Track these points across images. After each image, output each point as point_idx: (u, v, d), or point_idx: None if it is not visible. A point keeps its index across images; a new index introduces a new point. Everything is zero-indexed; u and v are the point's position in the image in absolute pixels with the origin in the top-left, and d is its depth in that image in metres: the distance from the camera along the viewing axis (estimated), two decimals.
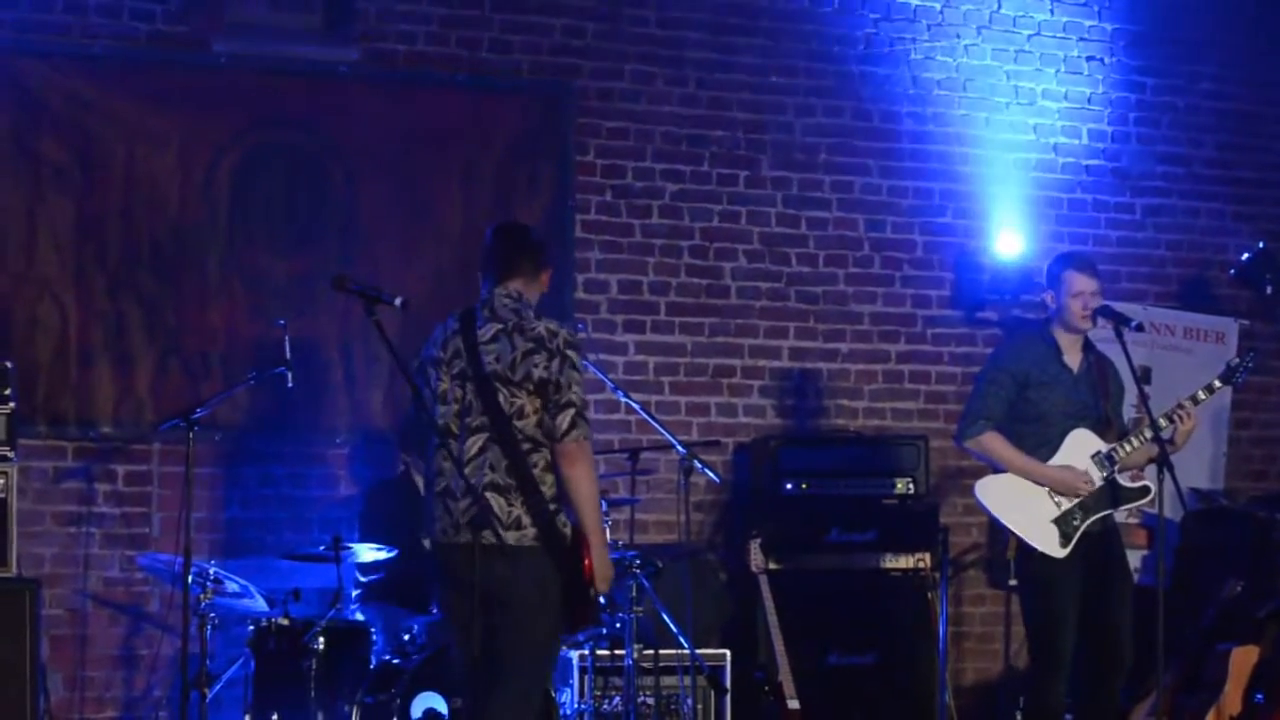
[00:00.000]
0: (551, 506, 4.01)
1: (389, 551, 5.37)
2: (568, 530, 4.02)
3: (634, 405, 5.71)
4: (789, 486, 6.38)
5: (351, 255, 6.33)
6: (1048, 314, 5.24)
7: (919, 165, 7.17)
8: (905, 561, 6.35)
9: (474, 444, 4.02)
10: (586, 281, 6.69)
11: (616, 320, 6.75)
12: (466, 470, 4.00)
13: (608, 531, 5.25)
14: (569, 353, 4.03)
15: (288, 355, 5.55)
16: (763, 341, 6.93)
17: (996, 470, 5.07)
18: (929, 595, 6.28)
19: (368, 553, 5.39)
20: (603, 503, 5.64)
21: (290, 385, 5.59)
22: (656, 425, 5.64)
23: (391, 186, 6.43)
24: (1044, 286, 5.21)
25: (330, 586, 5.36)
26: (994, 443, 5.04)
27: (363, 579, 5.67)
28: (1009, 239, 7.06)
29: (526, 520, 3.98)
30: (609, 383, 5.79)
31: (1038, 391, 5.07)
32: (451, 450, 4.03)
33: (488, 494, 3.97)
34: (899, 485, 6.45)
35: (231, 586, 5.35)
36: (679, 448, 5.52)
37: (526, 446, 4.01)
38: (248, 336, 6.19)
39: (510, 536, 3.95)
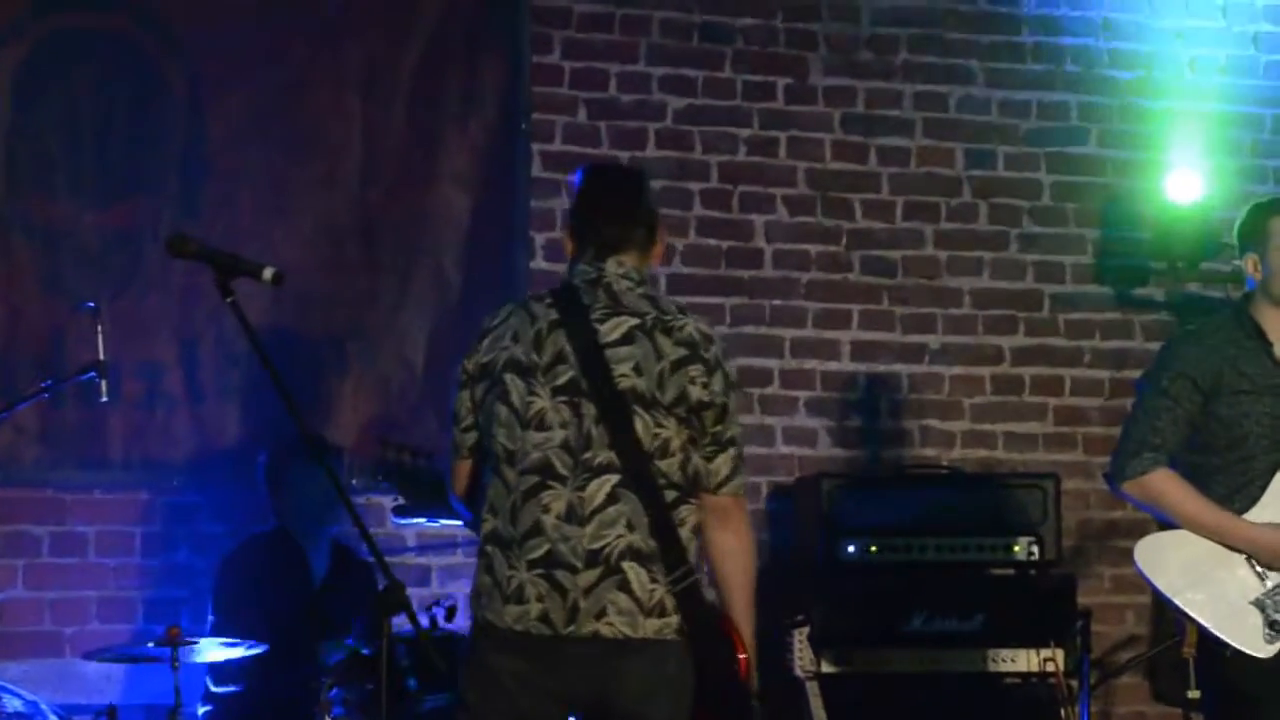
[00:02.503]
0: (700, 581, 4.14)
1: (254, 648, 5.37)
2: (715, 615, 4.18)
3: None
4: (851, 549, 6.34)
5: (197, 203, 6.37)
6: (1246, 288, 5.10)
7: (1046, 68, 7.19)
8: (1026, 661, 6.30)
9: (598, 490, 4.08)
10: (549, 244, 6.68)
11: None
12: (589, 529, 4.05)
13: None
14: (727, 368, 4.20)
15: (101, 355, 5.56)
16: (812, 332, 6.94)
17: (1166, 525, 4.93)
18: (1063, 712, 6.22)
19: (221, 650, 5.38)
20: None
21: (104, 399, 5.60)
22: None
23: (259, 100, 6.45)
24: (1238, 249, 5.08)
25: (164, 703, 5.30)
26: (1167, 484, 4.88)
27: (215, 689, 5.70)
28: (1184, 179, 7.01)
29: (670, 603, 4.07)
30: None
31: (1233, 405, 4.90)
32: (553, 499, 4.08)
33: (624, 564, 4.06)
34: (1017, 548, 6.40)
35: (12, 704, 5.33)
36: None
37: (672, 496, 4.11)
38: (36, 326, 6.19)
39: (650, 626, 4.05)
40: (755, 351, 6.85)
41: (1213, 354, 4.92)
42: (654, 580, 4.03)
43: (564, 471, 4.05)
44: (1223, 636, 4.75)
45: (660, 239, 4.34)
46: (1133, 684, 7.00)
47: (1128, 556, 5.10)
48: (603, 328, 4.11)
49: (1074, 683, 6.20)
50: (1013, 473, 6.81)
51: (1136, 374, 5.49)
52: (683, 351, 4.11)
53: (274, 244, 6.20)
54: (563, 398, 4.08)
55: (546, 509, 4.05)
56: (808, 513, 6.53)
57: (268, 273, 3.87)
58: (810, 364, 6.90)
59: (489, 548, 4.13)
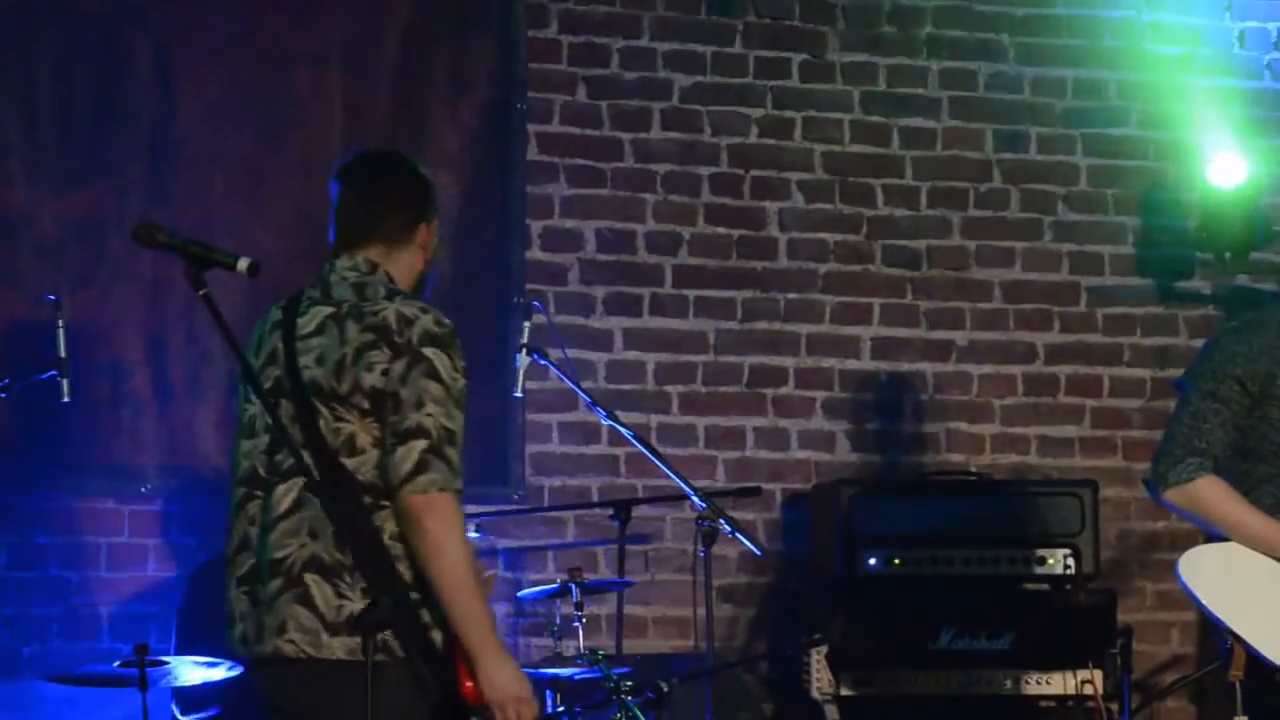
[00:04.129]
0: (413, 595, 4.01)
1: (230, 668, 5.35)
2: (437, 634, 4.03)
3: (623, 431, 5.72)
4: (872, 562, 6.36)
5: (166, 189, 6.37)
6: None
7: (1083, 43, 7.20)
8: (1062, 683, 6.32)
9: (284, 496, 4.04)
10: (546, 233, 6.71)
11: (595, 295, 6.76)
12: (273, 537, 4.01)
13: (561, 635, 5.40)
14: (428, 351, 4.02)
15: (61, 352, 5.59)
16: (830, 329, 6.95)
17: (1213, 537, 4.94)
18: None
19: (194, 670, 5.39)
20: (571, 587, 5.61)
21: (66, 399, 5.63)
22: (659, 463, 5.66)
23: (231, 79, 6.47)
24: None
25: None
26: (1213, 492, 4.87)
27: (182, 718, 5.71)
28: (1228, 162, 6.98)
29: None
30: (583, 395, 5.84)
31: None
32: (258, 510, 4.03)
33: (306, 576, 3.99)
34: (1051, 561, 6.41)
35: None
36: (696, 499, 5.53)
37: (368, 500, 4.01)
38: None
39: (339, 645, 3.97)
40: (769, 349, 6.85)
41: (1262, 354, 4.88)
42: (342, 595, 3.96)
43: (266, 478, 4.04)
44: (1272, 658, 4.72)
45: (418, 229, 4.22)
46: (1178, 708, 6.97)
47: (1171, 570, 5.08)
48: (300, 320, 4.09)
49: (1114, 706, 6.19)
50: (1047, 480, 6.86)
51: (1180, 373, 5.45)
52: (368, 337, 4.00)
53: (249, 232, 6.20)
54: (270, 399, 4.05)
55: (252, 521, 4.05)
56: (825, 522, 6.54)
57: (243, 263, 3.79)
58: (828, 362, 6.90)
59: None
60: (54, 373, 5.55)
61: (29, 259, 6.19)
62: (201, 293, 3.76)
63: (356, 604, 3.93)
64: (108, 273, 6.24)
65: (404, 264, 4.20)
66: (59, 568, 6.20)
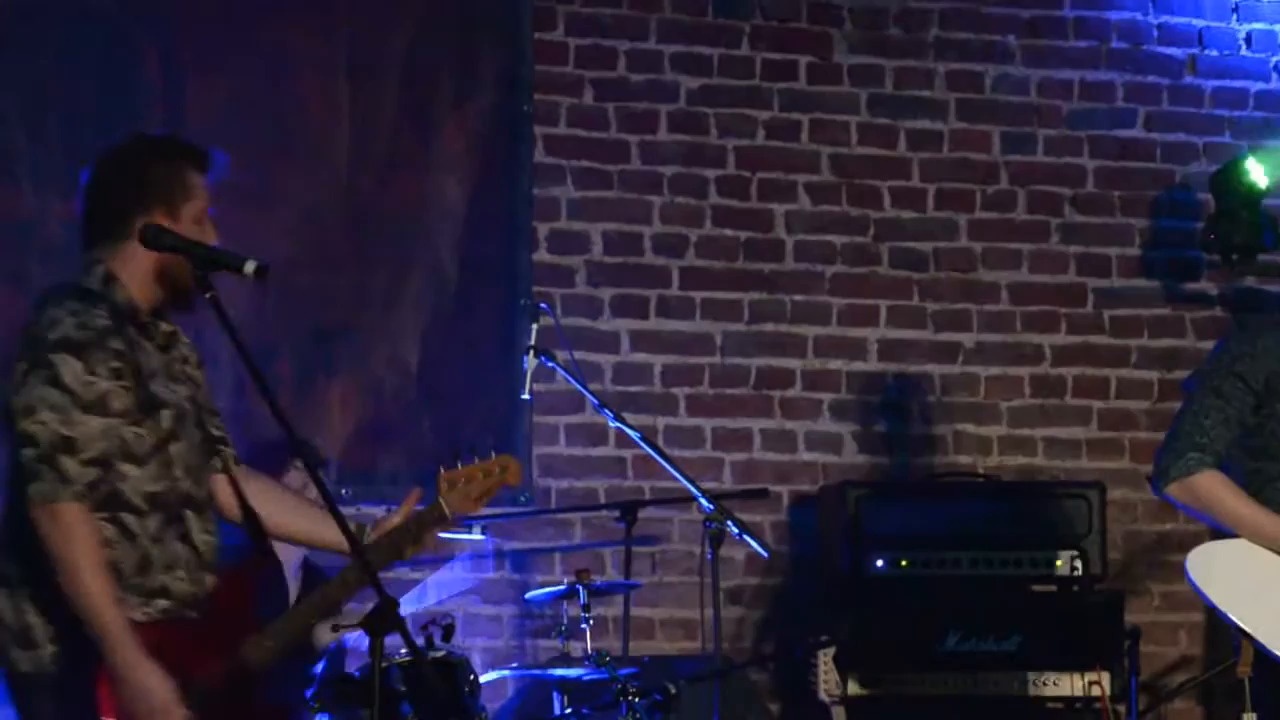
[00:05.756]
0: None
1: None
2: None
3: (630, 433, 5.73)
4: (880, 564, 6.37)
5: None
6: None
7: (1090, 45, 7.20)
8: (1069, 685, 6.31)
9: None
10: (553, 235, 6.74)
11: (602, 297, 6.79)
12: None
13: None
14: (54, 357, 3.84)
15: None
16: (837, 330, 6.97)
17: (1219, 533, 4.95)
18: None
19: None
20: (579, 589, 5.53)
21: None
22: (666, 465, 5.65)
23: (239, 80, 6.49)
24: None
25: None
26: (1215, 487, 4.88)
27: None
28: (1257, 166, 6.93)
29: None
30: (590, 397, 5.82)
31: None
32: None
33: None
34: (1059, 562, 6.42)
35: None
36: (703, 501, 5.51)
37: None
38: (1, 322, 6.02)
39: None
40: (776, 351, 6.86)
41: (1266, 354, 4.90)
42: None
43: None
44: None
45: (133, 222, 3.96)
46: (1186, 709, 6.99)
47: (1179, 571, 5.10)
48: None
49: (1121, 708, 6.20)
50: (1054, 481, 6.87)
51: (1188, 374, 5.47)
52: (17, 347, 3.89)
53: (256, 235, 6.13)
54: None
55: None
56: (832, 524, 6.53)
57: (249, 266, 3.86)
58: (835, 364, 6.92)
59: None
60: None
61: (36, 262, 6.20)
62: (208, 295, 3.81)
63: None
64: None
65: (134, 262, 4.00)
66: None
